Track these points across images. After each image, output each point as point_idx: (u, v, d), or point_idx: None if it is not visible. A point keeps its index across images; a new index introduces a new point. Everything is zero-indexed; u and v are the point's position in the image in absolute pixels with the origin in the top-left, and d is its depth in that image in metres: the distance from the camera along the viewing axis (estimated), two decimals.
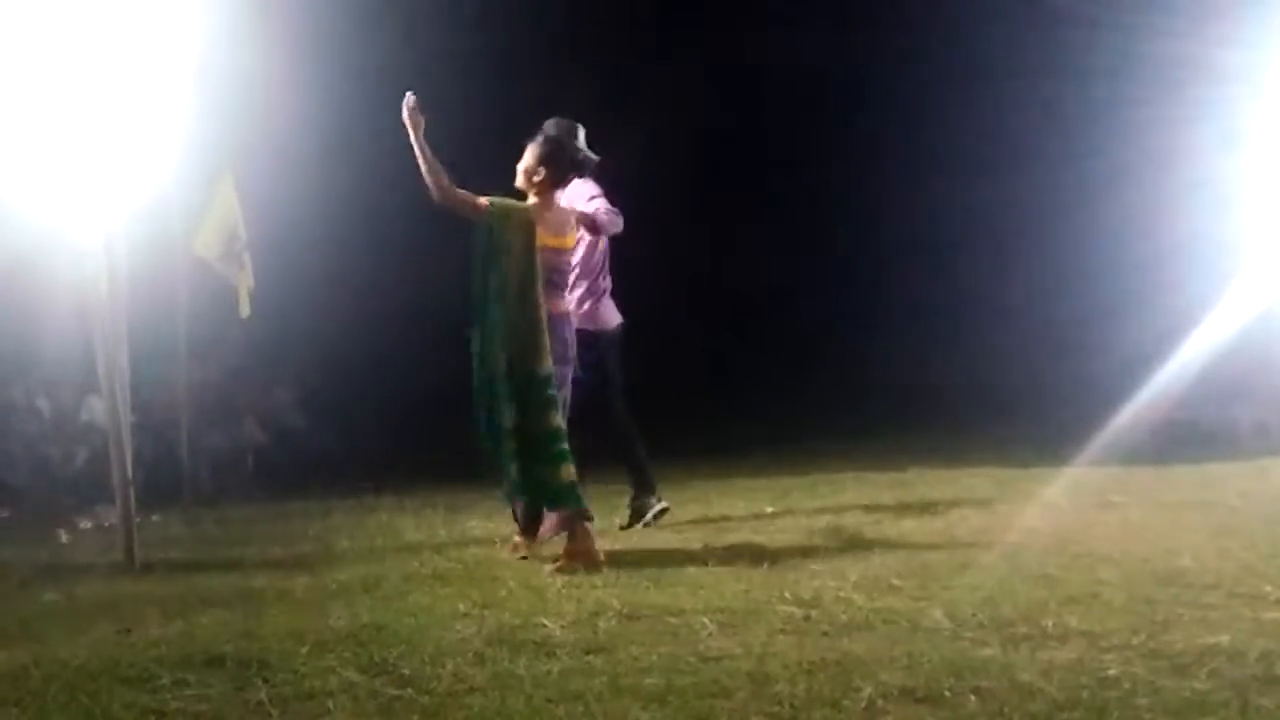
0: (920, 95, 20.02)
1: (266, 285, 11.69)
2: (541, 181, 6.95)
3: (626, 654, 4.39)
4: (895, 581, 5.52)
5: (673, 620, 4.89)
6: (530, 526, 7.20)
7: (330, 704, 3.97)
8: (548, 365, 6.66)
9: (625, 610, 5.07)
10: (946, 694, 3.79)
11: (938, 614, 4.81)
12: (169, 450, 11.47)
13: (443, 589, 5.83)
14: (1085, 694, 3.74)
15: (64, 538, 8.97)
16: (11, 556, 7.97)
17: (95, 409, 10.88)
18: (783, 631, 4.69)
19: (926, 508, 8.36)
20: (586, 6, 19.59)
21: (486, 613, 5.18)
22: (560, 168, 7.03)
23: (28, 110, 7.06)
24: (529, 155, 7.02)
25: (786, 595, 5.28)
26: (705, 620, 4.85)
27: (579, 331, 7.53)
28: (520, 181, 7.03)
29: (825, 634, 4.62)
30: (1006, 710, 3.62)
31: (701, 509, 8.93)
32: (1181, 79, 13.04)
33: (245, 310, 11.44)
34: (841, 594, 5.29)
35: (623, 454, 8.35)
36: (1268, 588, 5.13)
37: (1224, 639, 4.28)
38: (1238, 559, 5.82)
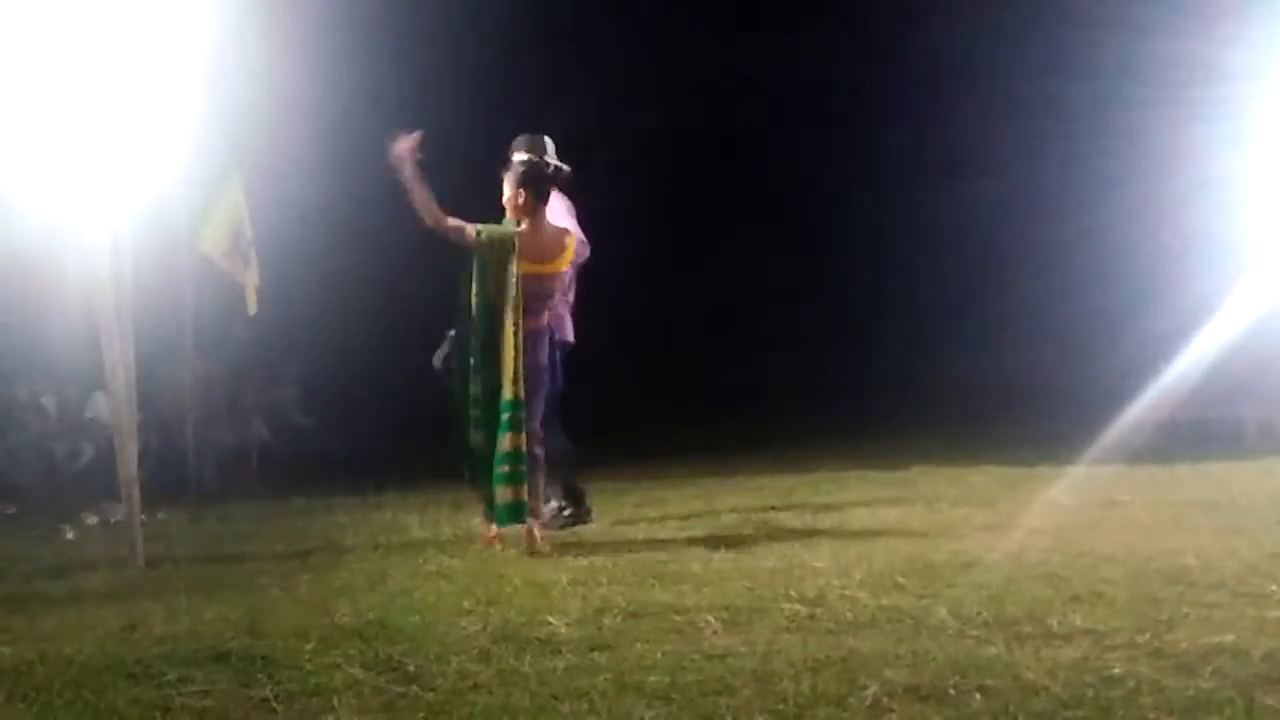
0: (923, 94, 20.03)
1: (272, 283, 11.71)
2: (525, 204, 7.16)
3: (631, 651, 4.39)
4: (900, 580, 5.52)
5: (677, 618, 4.89)
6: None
7: (335, 700, 3.97)
8: (517, 391, 6.96)
9: (630, 608, 5.07)
10: (951, 692, 3.79)
11: (942, 612, 4.80)
12: (174, 447, 11.50)
13: (447, 586, 5.83)
14: (1090, 693, 3.74)
15: (69, 534, 8.98)
16: (17, 553, 7.98)
17: (101, 406, 10.89)
18: (787, 629, 4.69)
19: (931, 506, 8.36)
20: (588, 6, 19.60)
21: (491, 610, 5.18)
22: (539, 186, 7.23)
23: (35, 108, 7.06)
24: (507, 185, 7.24)
25: (791, 593, 5.28)
26: (710, 618, 4.85)
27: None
28: (509, 213, 7.23)
29: (830, 632, 4.62)
30: (1011, 709, 3.62)
31: (706, 507, 8.94)
32: (1187, 78, 13.05)
33: (252, 307, 11.46)
34: (846, 592, 5.28)
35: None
36: (1272, 587, 5.13)
37: (1228, 638, 4.28)
38: (1242, 558, 5.82)
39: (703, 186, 21.45)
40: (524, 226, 7.16)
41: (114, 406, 7.17)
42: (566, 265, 7.52)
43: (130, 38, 7.08)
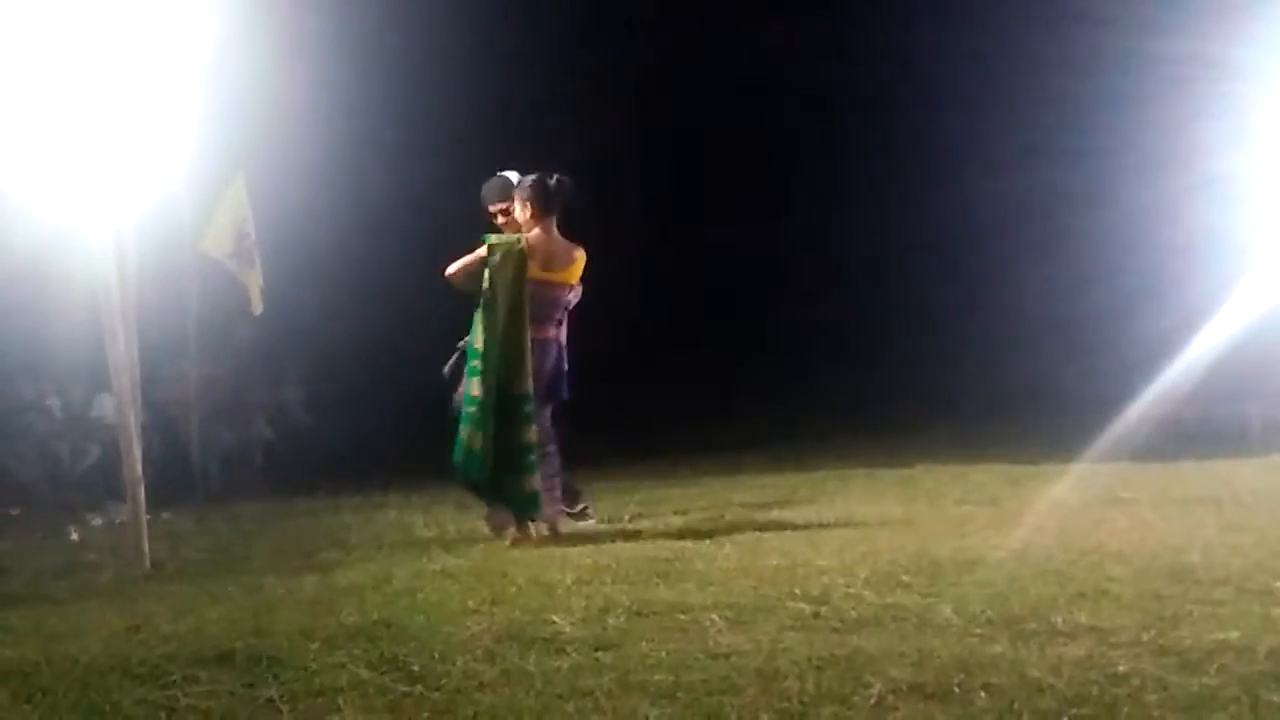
0: (926, 93, 20.01)
1: (276, 283, 11.73)
2: (533, 215, 7.49)
3: (636, 650, 4.40)
4: (904, 578, 5.51)
5: (682, 617, 4.89)
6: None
7: (340, 700, 3.98)
8: (528, 386, 7.26)
9: (634, 607, 5.07)
10: (956, 690, 3.79)
11: (947, 610, 4.80)
12: (179, 448, 11.52)
13: (452, 586, 5.83)
14: (1094, 690, 3.74)
15: (74, 535, 8.99)
16: (22, 553, 8.00)
17: (106, 406, 10.89)
18: (792, 628, 4.68)
19: (935, 504, 8.36)
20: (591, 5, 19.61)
21: (496, 609, 5.18)
22: (546, 199, 7.51)
23: (39, 110, 7.07)
24: (517, 202, 7.61)
25: (796, 592, 5.28)
26: (714, 617, 4.85)
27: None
28: (525, 230, 7.54)
29: (834, 630, 4.62)
30: (1016, 706, 3.62)
31: (710, 505, 8.93)
32: (1191, 76, 13.04)
33: (258, 307, 11.48)
34: (851, 590, 5.28)
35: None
36: (1277, 584, 5.12)
37: (1233, 635, 4.27)
38: (1247, 555, 5.81)
39: (703, 186, 21.45)
40: (534, 232, 7.44)
41: (119, 407, 7.17)
42: (576, 279, 7.70)
43: (134, 39, 7.09)
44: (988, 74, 18.28)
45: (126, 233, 7.38)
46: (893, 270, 21.02)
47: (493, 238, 7.39)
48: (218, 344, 12.27)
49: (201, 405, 11.71)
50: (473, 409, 7.29)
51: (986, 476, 9.95)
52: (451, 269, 7.37)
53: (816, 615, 4.87)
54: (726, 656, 4.27)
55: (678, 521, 8.08)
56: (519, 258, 7.26)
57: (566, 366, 7.88)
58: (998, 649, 4.24)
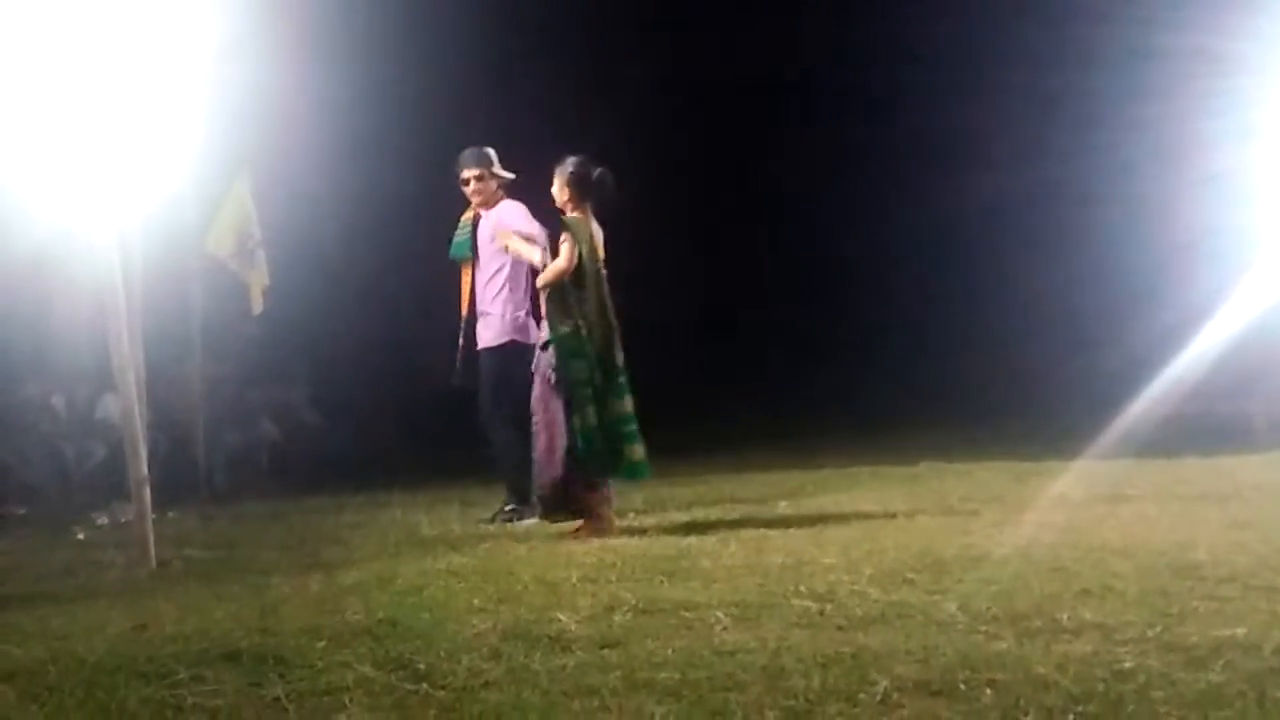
0: (929, 90, 19.98)
1: (280, 283, 11.73)
2: (569, 199, 7.69)
3: (641, 648, 4.40)
4: (909, 575, 5.52)
5: (687, 614, 4.89)
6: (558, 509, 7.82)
7: (346, 699, 3.98)
8: (621, 359, 7.62)
9: (640, 605, 5.07)
10: (961, 687, 3.79)
11: (952, 607, 4.80)
12: (184, 447, 11.52)
13: (458, 584, 5.83)
14: (1100, 687, 3.73)
15: (80, 535, 9.00)
16: (28, 553, 8.02)
17: (111, 407, 10.92)
18: (797, 625, 4.68)
19: (940, 502, 8.36)
20: (582, 3, 19.61)
21: (502, 608, 5.18)
22: (583, 186, 7.68)
23: (44, 111, 7.08)
24: (556, 181, 7.74)
25: (801, 589, 5.28)
26: (720, 614, 4.85)
27: (514, 343, 8.49)
28: (559, 205, 7.78)
29: (840, 628, 4.62)
30: (1021, 703, 3.62)
31: (715, 503, 8.94)
32: (1195, 71, 13.02)
33: (258, 308, 11.48)
34: (856, 588, 5.28)
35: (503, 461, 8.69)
36: None
37: (1239, 631, 4.27)
38: (1253, 551, 5.81)
39: (705, 184, 21.44)
40: (578, 215, 7.68)
41: (124, 407, 7.18)
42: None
43: (138, 39, 7.09)
44: (991, 70, 18.26)
45: (131, 233, 7.38)
46: (895, 267, 21.04)
47: (568, 218, 7.62)
48: (223, 344, 12.27)
49: (207, 405, 11.72)
50: (585, 391, 7.50)
51: (991, 474, 9.96)
52: (559, 268, 7.53)
53: (822, 613, 4.87)
54: (732, 654, 4.27)
55: (683, 519, 8.09)
56: (593, 238, 7.58)
57: None
58: (1003, 646, 4.24)
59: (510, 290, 8.64)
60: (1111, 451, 9.96)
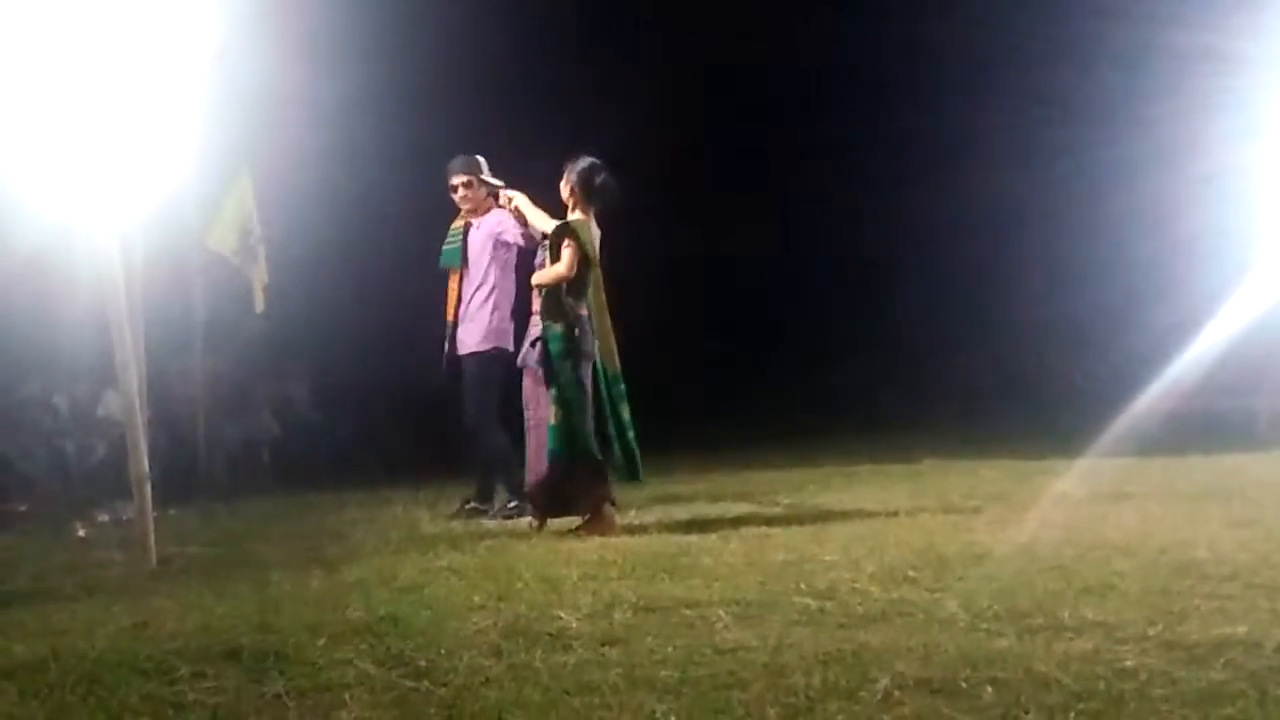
0: (932, 87, 19.99)
1: (281, 280, 11.74)
2: (572, 197, 7.77)
3: (642, 646, 4.39)
4: (911, 573, 5.52)
5: (688, 612, 4.89)
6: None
7: (347, 696, 3.98)
8: (618, 364, 7.71)
9: (641, 602, 5.07)
10: (962, 685, 3.79)
11: (953, 605, 4.80)
12: (185, 444, 11.53)
13: (458, 581, 5.83)
14: (1101, 685, 3.73)
15: (81, 531, 8.99)
16: (29, 550, 8.01)
17: (112, 403, 10.92)
18: (798, 623, 4.68)
19: (942, 499, 8.36)
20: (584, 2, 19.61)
21: (502, 605, 5.18)
22: (588, 188, 7.75)
23: (45, 108, 7.07)
24: (565, 180, 7.82)
25: (802, 587, 5.28)
26: (721, 612, 4.85)
27: (497, 349, 8.61)
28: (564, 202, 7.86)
29: (841, 625, 4.62)
30: (1022, 701, 3.62)
31: (716, 501, 8.95)
32: (1197, 70, 13.02)
33: (260, 305, 11.49)
34: (857, 585, 5.28)
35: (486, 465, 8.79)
36: None
37: (1241, 629, 4.27)
38: (1254, 550, 5.81)
39: (707, 181, 21.43)
40: (581, 216, 7.73)
41: (125, 404, 7.18)
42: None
43: (140, 36, 7.08)
44: (993, 69, 18.26)
45: (132, 230, 7.37)
46: (897, 266, 21.03)
47: (573, 221, 7.66)
48: (224, 340, 12.28)
49: (208, 402, 11.73)
50: (568, 391, 7.54)
51: (993, 471, 9.96)
52: (559, 272, 7.54)
53: (823, 610, 4.87)
54: (733, 652, 4.27)
55: (684, 517, 8.10)
56: (592, 242, 7.65)
57: None
58: (1004, 644, 4.23)
59: (497, 297, 8.75)
60: (1114, 449, 9.96)
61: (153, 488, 7.17)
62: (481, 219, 8.74)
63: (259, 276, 11.51)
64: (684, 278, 20.30)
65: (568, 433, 7.52)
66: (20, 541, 8.59)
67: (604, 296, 7.67)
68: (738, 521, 7.65)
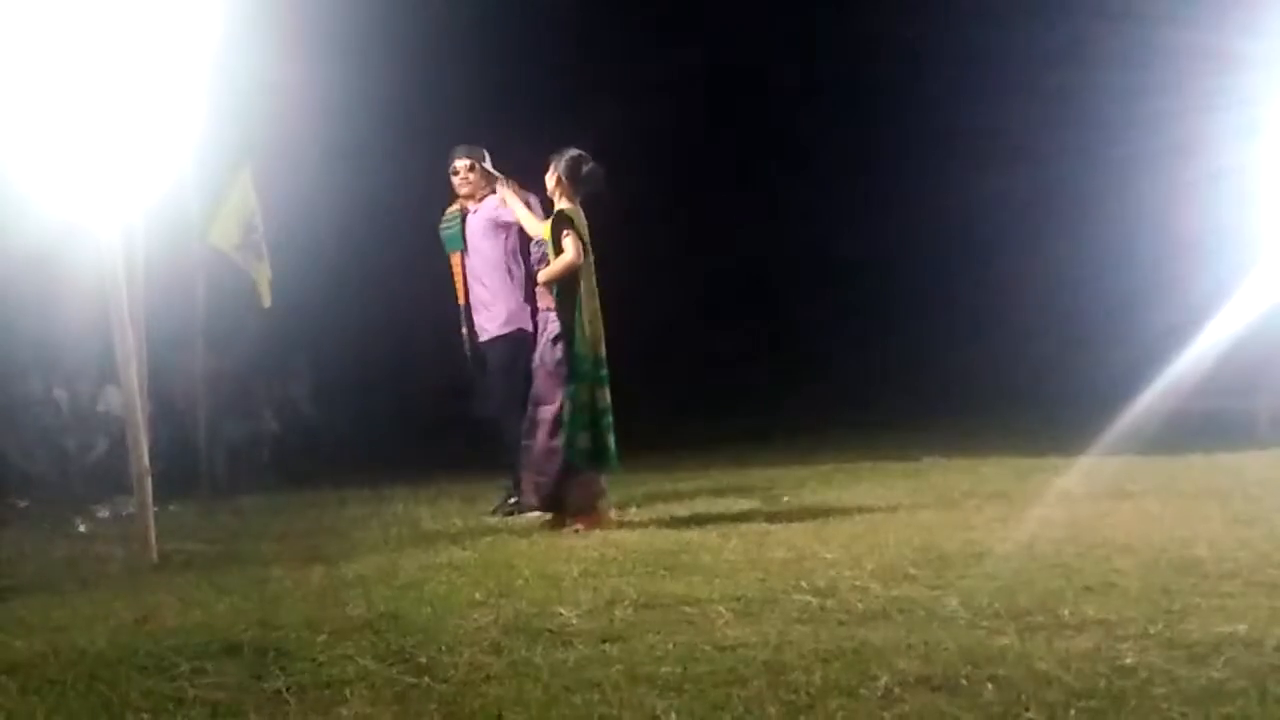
0: (934, 86, 19.99)
1: (282, 277, 11.73)
2: (558, 186, 7.77)
3: (643, 643, 4.40)
4: (911, 571, 5.52)
5: (689, 609, 4.89)
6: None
7: (347, 692, 3.98)
8: (603, 351, 7.64)
9: (641, 599, 5.07)
10: (963, 682, 3.79)
11: (954, 603, 4.80)
12: (186, 440, 11.52)
13: (459, 578, 5.84)
14: (1102, 683, 3.73)
15: (82, 527, 9.00)
16: (30, 545, 8.01)
17: (113, 400, 10.92)
18: (799, 620, 4.68)
19: (942, 497, 8.35)
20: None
21: (503, 601, 5.19)
22: (574, 176, 7.75)
23: (46, 104, 7.07)
24: (550, 170, 7.81)
25: (803, 584, 5.28)
26: (721, 609, 4.85)
27: (520, 330, 8.63)
28: (550, 194, 7.88)
29: (841, 623, 4.62)
30: (1023, 698, 3.62)
31: (716, 498, 8.94)
32: (1199, 68, 13.00)
33: (266, 300, 11.49)
34: (858, 583, 5.28)
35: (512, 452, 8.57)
36: None
37: (1241, 628, 4.27)
38: (1255, 548, 5.80)
39: (709, 177, 21.43)
40: (569, 206, 7.72)
41: (126, 400, 7.18)
42: None
43: (141, 32, 7.08)
44: (994, 68, 18.25)
45: (134, 226, 7.37)
46: (898, 263, 21.02)
47: (566, 209, 7.66)
48: (225, 337, 12.26)
49: (208, 398, 11.71)
50: (585, 386, 7.54)
51: (994, 469, 9.96)
52: (568, 261, 7.51)
53: (823, 608, 4.87)
54: (733, 649, 4.27)
55: (684, 514, 8.09)
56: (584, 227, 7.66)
57: None
58: (1005, 641, 4.23)
59: (510, 279, 8.80)
60: (1115, 448, 9.95)
61: (153, 484, 7.17)
62: (479, 205, 8.78)
63: (263, 272, 11.50)
64: (685, 275, 20.31)
65: (583, 428, 7.53)
66: (21, 537, 8.59)
67: (594, 283, 7.67)
68: (738, 519, 7.65)
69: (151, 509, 7.11)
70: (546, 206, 7.97)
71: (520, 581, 5.65)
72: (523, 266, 8.75)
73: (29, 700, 4.02)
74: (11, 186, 7.75)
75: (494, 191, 8.62)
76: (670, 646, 4.32)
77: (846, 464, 11.03)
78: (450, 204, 9.03)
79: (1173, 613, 4.55)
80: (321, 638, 4.58)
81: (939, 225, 20.46)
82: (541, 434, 7.72)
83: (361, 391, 15.07)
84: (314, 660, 4.32)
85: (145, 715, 3.85)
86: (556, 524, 7.62)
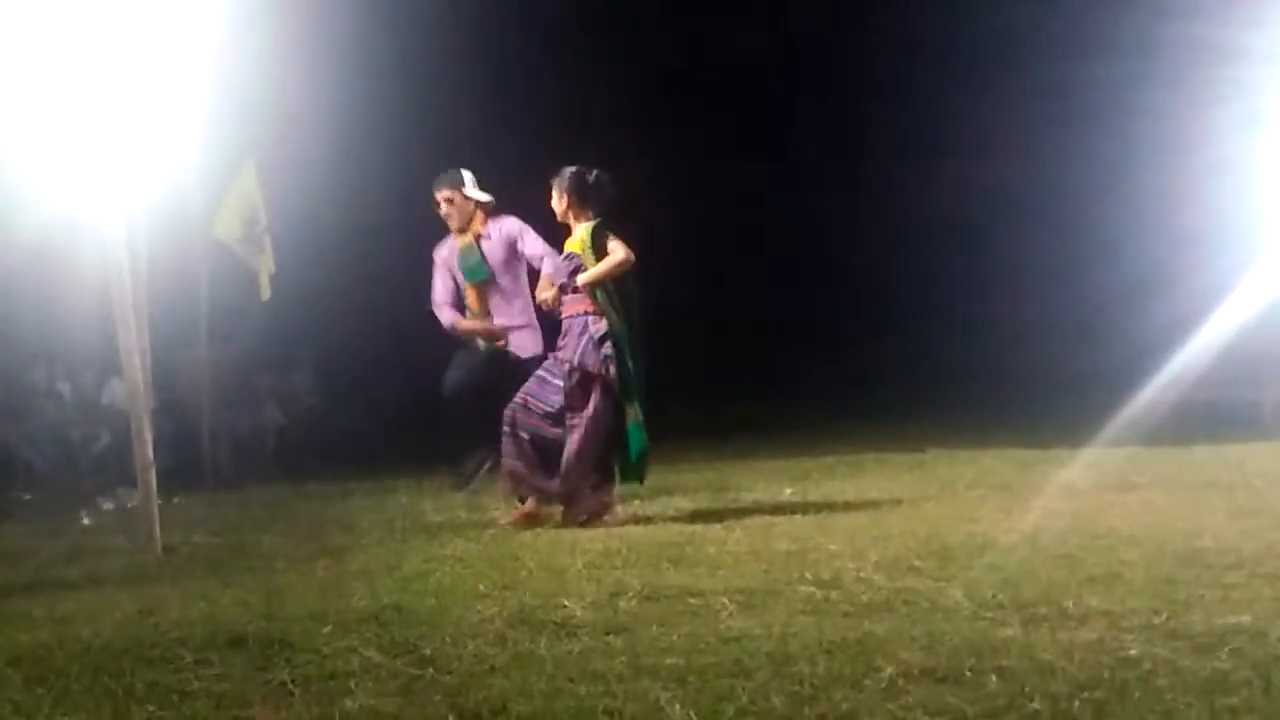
0: (936, 77, 19.96)
1: (286, 268, 11.74)
2: (568, 208, 7.63)
3: (647, 634, 4.40)
4: (915, 562, 5.52)
5: (693, 600, 4.89)
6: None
7: (352, 684, 3.98)
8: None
9: (645, 591, 5.07)
10: (967, 674, 3.79)
11: (958, 594, 4.80)
12: (190, 433, 11.53)
13: (463, 570, 5.84)
14: (1106, 674, 3.73)
15: (86, 520, 9.01)
16: (34, 538, 8.02)
17: (117, 392, 10.92)
18: (803, 612, 4.68)
19: (946, 489, 8.36)
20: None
21: (507, 593, 5.19)
22: (582, 192, 7.61)
23: (50, 97, 7.07)
24: (555, 193, 7.68)
25: (807, 576, 5.28)
26: (725, 600, 4.85)
27: (531, 358, 8.22)
28: (559, 217, 7.74)
29: (846, 614, 4.62)
30: (1027, 690, 3.62)
31: (720, 490, 8.94)
32: (1203, 60, 12.99)
33: (266, 293, 11.50)
34: (862, 574, 5.28)
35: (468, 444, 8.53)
36: None
37: (1245, 619, 4.27)
38: (1259, 539, 5.80)
39: (711, 171, 21.42)
40: (589, 224, 7.56)
41: (130, 392, 7.18)
42: None
43: (144, 26, 7.08)
44: (996, 59, 18.23)
45: (137, 219, 7.37)
46: (902, 255, 21.01)
47: (596, 225, 7.50)
48: (228, 329, 12.28)
49: (212, 390, 11.73)
50: (631, 386, 7.50)
51: (998, 461, 9.96)
52: (620, 259, 7.44)
53: (827, 599, 4.87)
54: (738, 640, 4.27)
55: (688, 506, 8.10)
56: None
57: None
58: (1009, 633, 4.23)
59: (530, 300, 8.39)
60: (1119, 439, 9.96)
61: (157, 476, 7.18)
62: (486, 228, 8.39)
63: (265, 265, 11.51)
64: (686, 270, 20.31)
65: (636, 428, 7.49)
66: (25, 530, 8.60)
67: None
68: (742, 511, 7.66)
69: (155, 501, 7.12)
70: (560, 231, 7.78)
71: (525, 573, 5.66)
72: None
73: (34, 692, 4.02)
74: (15, 179, 7.76)
75: (488, 212, 8.38)
76: (674, 638, 4.33)
77: (850, 456, 11.03)
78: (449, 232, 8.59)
79: (1177, 604, 4.55)
80: (326, 630, 4.58)
81: (941, 217, 20.45)
82: (578, 436, 7.45)
83: (366, 383, 15.08)
84: (318, 652, 4.32)
85: (150, 707, 3.85)
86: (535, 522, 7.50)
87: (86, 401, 11.72)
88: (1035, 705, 3.51)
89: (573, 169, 7.61)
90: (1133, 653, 3.93)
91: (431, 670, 4.09)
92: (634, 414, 7.48)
